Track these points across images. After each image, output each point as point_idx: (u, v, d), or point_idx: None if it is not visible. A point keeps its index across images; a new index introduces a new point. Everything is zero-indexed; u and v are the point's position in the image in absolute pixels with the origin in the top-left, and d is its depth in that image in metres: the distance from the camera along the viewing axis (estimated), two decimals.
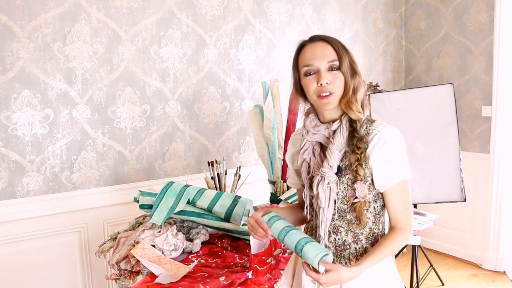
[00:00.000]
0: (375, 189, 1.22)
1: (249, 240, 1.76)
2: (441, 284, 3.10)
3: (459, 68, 3.42)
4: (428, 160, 2.76)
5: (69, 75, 2.27)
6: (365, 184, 1.20)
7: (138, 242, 1.72)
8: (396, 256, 3.29)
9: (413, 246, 2.80)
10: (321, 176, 1.21)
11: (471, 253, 3.41)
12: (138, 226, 2.01)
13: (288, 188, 2.34)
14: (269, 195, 2.42)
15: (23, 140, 2.19)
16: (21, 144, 2.19)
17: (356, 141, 1.20)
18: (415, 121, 2.79)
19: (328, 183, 1.20)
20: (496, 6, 3.07)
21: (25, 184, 2.21)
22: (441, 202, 2.76)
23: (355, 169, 1.19)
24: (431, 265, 3.07)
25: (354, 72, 1.21)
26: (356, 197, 1.19)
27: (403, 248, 3.50)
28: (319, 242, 1.24)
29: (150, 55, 2.50)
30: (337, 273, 1.10)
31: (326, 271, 1.10)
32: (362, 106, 1.22)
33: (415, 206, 2.97)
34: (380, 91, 3.10)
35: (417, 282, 2.78)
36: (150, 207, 1.90)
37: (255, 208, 1.95)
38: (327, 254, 1.12)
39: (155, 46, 2.51)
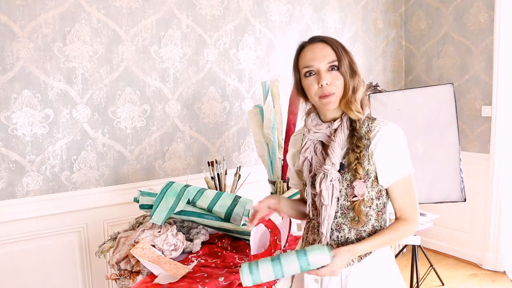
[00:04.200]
0: (378, 185, 1.22)
1: (249, 240, 1.76)
2: (441, 284, 3.10)
3: (459, 68, 3.42)
4: (428, 160, 2.76)
5: (69, 75, 2.27)
6: (365, 182, 1.20)
7: (138, 242, 1.72)
8: (396, 256, 3.29)
9: (413, 246, 2.80)
10: (324, 173, 1.22)
11: (471, 253, 3.41)
12: (138, 226, 2.01)
13: (288, 188, 2.34)
14: (269, 195, 2.42)
15: (23, 140, 2.19)
16: (21, 144, 2.19)
17: (356, 140, 1.21)
18: (415, 121, 2.79)
19: (331, 180, 1.21)
20: (496, 6, 3.07)
21: (25, 184, 2.21)
22: (441, 202, 2.76)
23: (354, 167, 1.20)
24: (431, 265, 3.07)
25: (353, 72, 1.22)
26: (355, 196, 1.20)
27: (403, 248, 3.50)
28: (320, 241, 1.25)
29: (150, 55, 2.50)
30: (340, 256, 1.15)
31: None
32: (361, 106, 1.23)
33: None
34: (380, 91, 3.09)
35: (417, 282, 2.78)
36: (150, 207, 1.90)
37: None
38: (323, 246, 1.15)
39: (155, 46, 2.51)
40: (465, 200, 2.70)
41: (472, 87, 3.34)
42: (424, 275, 3.05)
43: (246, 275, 1.13)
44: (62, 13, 2.23)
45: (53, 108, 2.25)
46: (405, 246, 3.51)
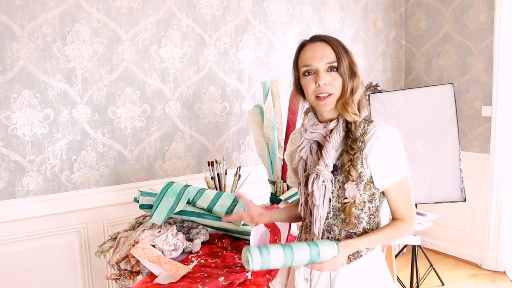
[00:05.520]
0: (371, 188, 1.22)
1: (249, 240, 1.76)
2: (441, 284, 3.10)
3: (459, 68, 3.42)
4: (428, 160, 2.76)
5: (69, 75, 2.27)
6: (357, 184, 1.20)
7: (138, 242, 1.72)
8: (396, 256, 3.29)
9: (413, 246, 2.80)
10: (317, 174, 1.22)
11: (471, 253, 3.41)
12: (138, 226, 2.01)
13: (288, 188, 2.34)
14: (269, 195, 2.42)
15: (23, 140, 2.19)
16: (21, 144, 2.19)
17: (350, 141, 1.21)
18: (415, 121, 2.79)
19: (323, 181, 1.21)
20: (496, 6, 3.07)
21: (25, 184, 2.21)
22: (441, 202, 2.76)
23: (347, 169, 1.19)
24: (431, 265, 3.07)
25: (353, 73, 1.22)
26: (346, 197, 1.20)
27: (403, 248, 3.50)
28: (312, 240, 1.25)
29: (150, 55, 2.50)
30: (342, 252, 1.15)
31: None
32: (359, 108, 1.23)
33: (415, 206, 2.97)
34: (380, 91, 3.09)
35: (417, 282, 2.78)
36: (150, 207, 1.90)
37: None
38: (331, 240, 1.15)
39: (155, 46, 2.51)
40: (465, 200, 2.70)
41: (472, 87, 3.34)
42: (424, 275, 3.05)
43: (255, 256, 1.05)
44: (62, 13, 2.23)
45: (53, 108, 2.25)
46: (405, 246, 3.51)
